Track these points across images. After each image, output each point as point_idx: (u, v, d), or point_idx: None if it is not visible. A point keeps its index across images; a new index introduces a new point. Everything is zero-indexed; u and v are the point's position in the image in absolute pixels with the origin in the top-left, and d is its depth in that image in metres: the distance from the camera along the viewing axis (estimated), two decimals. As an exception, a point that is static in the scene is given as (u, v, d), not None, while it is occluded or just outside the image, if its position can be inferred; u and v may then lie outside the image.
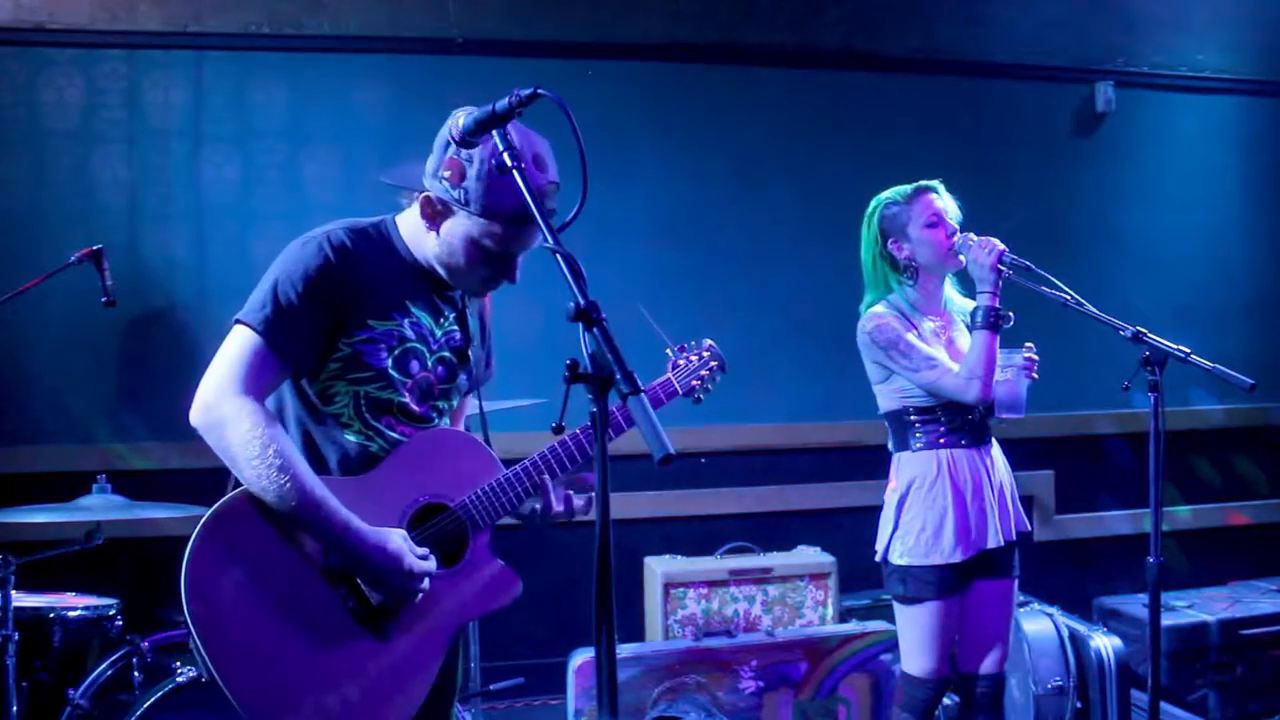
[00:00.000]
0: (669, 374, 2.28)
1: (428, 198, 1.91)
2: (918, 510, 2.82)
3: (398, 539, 1.86)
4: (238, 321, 1.87)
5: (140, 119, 3.86)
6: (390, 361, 1.93)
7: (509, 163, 1.64)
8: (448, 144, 1.79)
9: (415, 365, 1.97)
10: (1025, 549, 2.97)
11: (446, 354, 2.03)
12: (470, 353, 2.08)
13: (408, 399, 1.96)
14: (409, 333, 1.95)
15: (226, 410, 1.80)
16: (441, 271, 1.98)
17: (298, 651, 1.81)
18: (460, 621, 2.00)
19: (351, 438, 1.93)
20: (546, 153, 1.89)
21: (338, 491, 1.85)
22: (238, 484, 1.87)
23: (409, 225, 2.00)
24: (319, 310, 1.87)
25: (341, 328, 1.89)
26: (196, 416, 1.83)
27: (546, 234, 1.59)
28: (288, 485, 1.78)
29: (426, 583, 1.89)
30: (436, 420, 2.04)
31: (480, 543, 2.00)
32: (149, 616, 3.20)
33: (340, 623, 1.86)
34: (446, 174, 1.86)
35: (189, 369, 3.74)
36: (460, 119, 1.72)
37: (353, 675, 1.85)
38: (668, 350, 2.33)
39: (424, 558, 1.89)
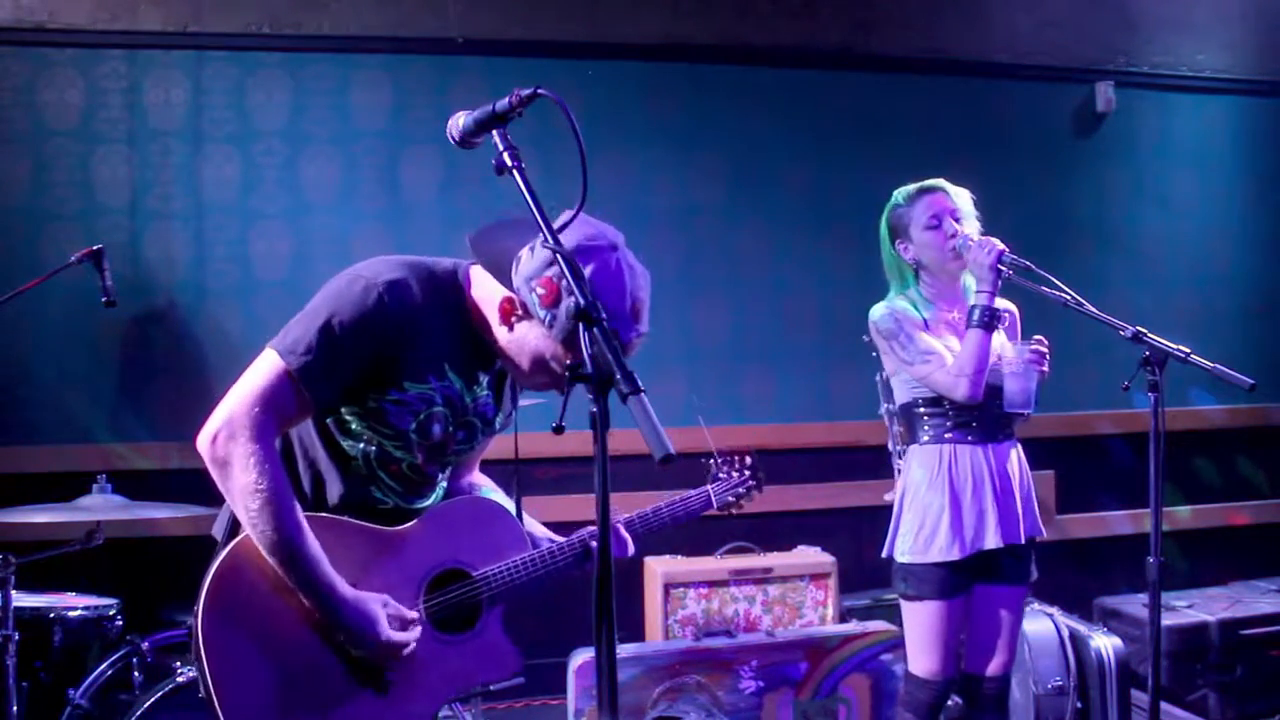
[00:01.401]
0: (708, 486, 2.25)
1: (510, 299, 1.80)
2: (918, 507, 2.83)
3: (376, 606, 1.83)
4: (272, 349, 1.79)
5: (140, 119, 3.86)
6: (414, 425, 1.88)
7: (509, 162, 1.63)
8: (553, 258, 1.66)
9: (437, 429, 1.91)
10: (1037, 554, 2.95)
11: (472, 419, 1.97)
12: (497, 421, 2.03)
13: (419, 459, 1.92)
14: (438, 398, 1.89)
15: (235, 454, 1.74)
16: (499, 349, 1.90)
17: (299, 696, 1.81)
18: (458, 688, 1.99)
19: (354, 476, 1.90)
20: (646, 301, 1.80)
21: (364, 541, 1.83)
22: None
23: (482, 293, 1.89)
24: (362, 364, 1.80)
25: (375, 383, 1.84)
26: (204, 446, 1.77)
27: (546, 234, 1.58)
28: (280, 543, 1.75)
29: (412, 647, 1.86)
30: (441, 476, 2.01)
31: (493, 614, 1.99)
32: (149, 616, 3.20)
33: (343, 672, 1.85)
34: (540, 292, 1.74)
35: (189, 369, 3.85)
36: (460, 119, 1.69)
37: None
38: (711, 460, 2.27)
39: (405, 627, 1.86)
